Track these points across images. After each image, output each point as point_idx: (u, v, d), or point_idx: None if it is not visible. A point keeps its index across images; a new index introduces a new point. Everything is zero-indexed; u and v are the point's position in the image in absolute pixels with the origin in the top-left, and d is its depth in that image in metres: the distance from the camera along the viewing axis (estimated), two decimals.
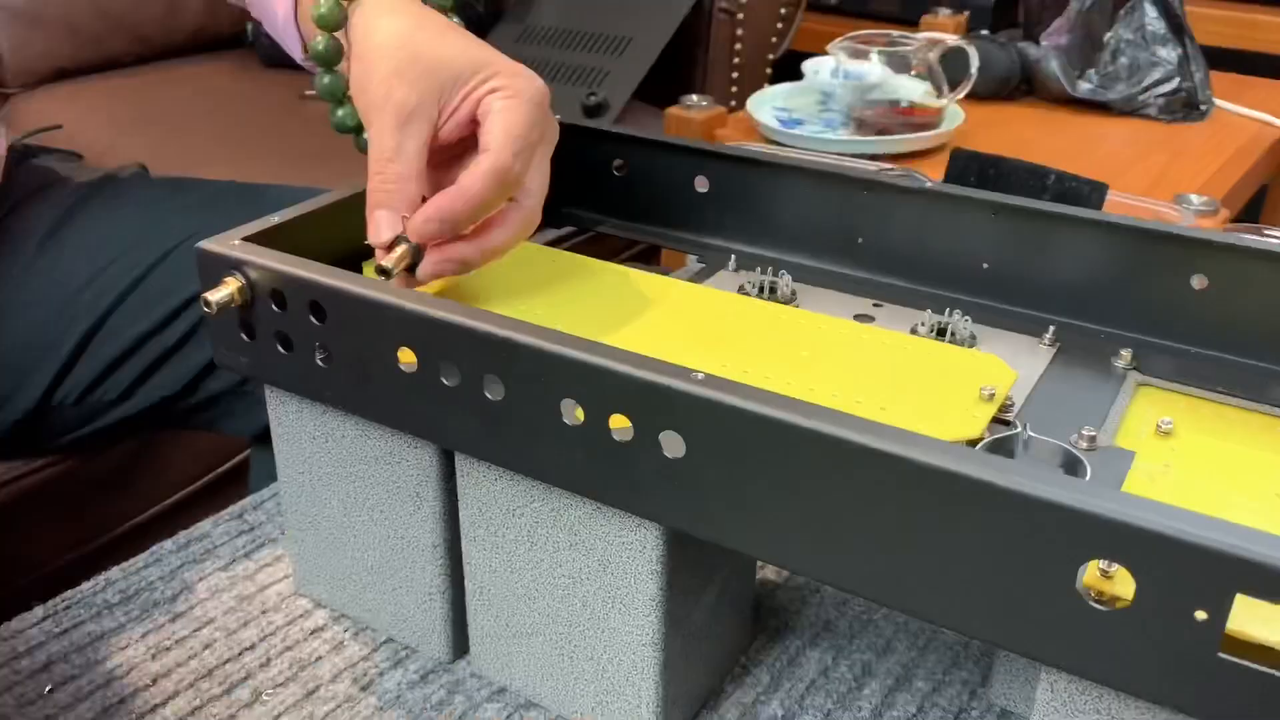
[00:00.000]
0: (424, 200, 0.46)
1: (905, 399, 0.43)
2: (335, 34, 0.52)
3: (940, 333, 0.51)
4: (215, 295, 0.45)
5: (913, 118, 1.14)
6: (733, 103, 1.43)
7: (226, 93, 1.46)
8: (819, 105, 1.22)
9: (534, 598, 0.46)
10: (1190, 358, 0.50)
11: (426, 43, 0.47)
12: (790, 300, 0.55)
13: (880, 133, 1.13)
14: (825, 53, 1.19)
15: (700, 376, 0.37)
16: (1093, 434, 0.43)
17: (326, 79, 0.53)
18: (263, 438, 0.78)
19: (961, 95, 1.14)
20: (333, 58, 0.52)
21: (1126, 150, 1.13)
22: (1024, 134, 1.16)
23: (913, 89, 1.15)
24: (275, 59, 1.55)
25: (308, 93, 1.45)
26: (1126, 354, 0.49)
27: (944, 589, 0.34)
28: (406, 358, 0.43)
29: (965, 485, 0.32)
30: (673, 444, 0.38)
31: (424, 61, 0.47)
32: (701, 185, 0.61)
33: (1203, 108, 1.25)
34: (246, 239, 0.47)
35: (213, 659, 0.51)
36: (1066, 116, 1.25)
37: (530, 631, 0.47)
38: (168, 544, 0.59)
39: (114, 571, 0.57)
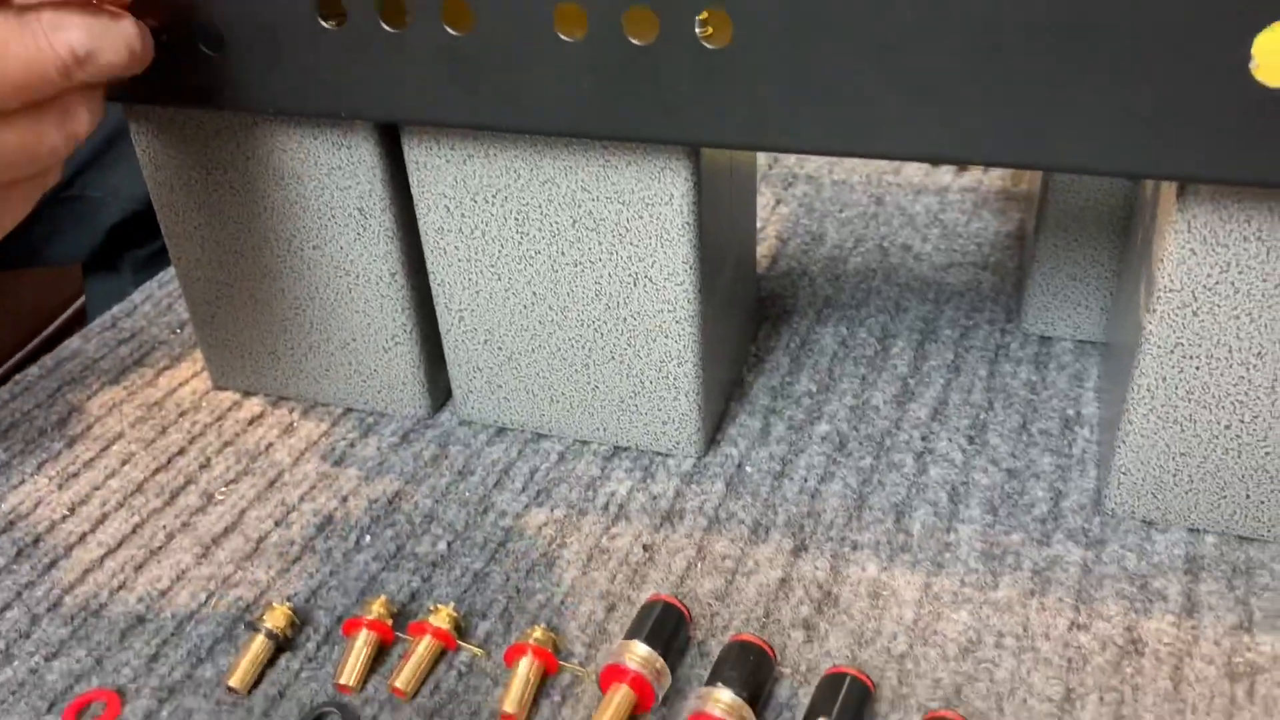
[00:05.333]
0: None
1: None
2: None
3: None
4: None
5: None
6: None
7: None
8: None
9: (531, 307, 0.39)
10: None
11: None
12: None
13: None
14: None
15: None
16: None
17: None
18: (99, 260, 0.65)
19: None
20: None
21: None
22: None
23: None
24: None
25: None
26: None
27: (1087, 117, 0.28)
28: (330, 11, 0.33)
29: None
30: (713, 28, 0.30)
31: None
32: None
33: None
34: None
35: (138, 474, 0.41)
36: None
37: (529, 351, 0.40)
38: (32, 370, 0.48)
39: None
